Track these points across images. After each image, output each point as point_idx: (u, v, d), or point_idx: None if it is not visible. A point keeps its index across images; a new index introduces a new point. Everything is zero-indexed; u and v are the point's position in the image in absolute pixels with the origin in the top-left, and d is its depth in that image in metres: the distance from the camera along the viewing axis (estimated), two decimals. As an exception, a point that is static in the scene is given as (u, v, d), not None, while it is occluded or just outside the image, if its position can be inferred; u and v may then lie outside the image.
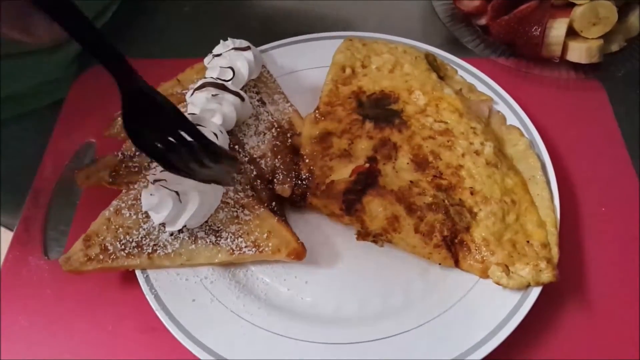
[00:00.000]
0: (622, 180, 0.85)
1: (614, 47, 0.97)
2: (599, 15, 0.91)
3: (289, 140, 0.84)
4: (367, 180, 0.76)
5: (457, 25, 1.04)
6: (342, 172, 0.78)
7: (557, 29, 0.93)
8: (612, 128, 0.91)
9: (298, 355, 0.67)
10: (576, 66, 0.96)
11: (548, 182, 0.78)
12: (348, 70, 0.91)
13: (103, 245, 0.72)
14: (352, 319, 0.71)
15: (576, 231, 0.79)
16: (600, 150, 0.88)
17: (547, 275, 0.68)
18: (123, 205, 0.75)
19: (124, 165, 0.79)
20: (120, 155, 0.80)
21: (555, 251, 0.71)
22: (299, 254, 0.72)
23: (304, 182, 0.79)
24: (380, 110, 0.85)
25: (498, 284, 0.69)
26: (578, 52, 0.94)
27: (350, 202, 0.76)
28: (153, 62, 1.02)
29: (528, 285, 0.69)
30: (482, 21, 1.03)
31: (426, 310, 0.70)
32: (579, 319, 0.72)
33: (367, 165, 0.78)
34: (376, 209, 0.75)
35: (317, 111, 0.86)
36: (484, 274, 0.71)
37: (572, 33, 0.94)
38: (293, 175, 0.80)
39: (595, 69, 0.96)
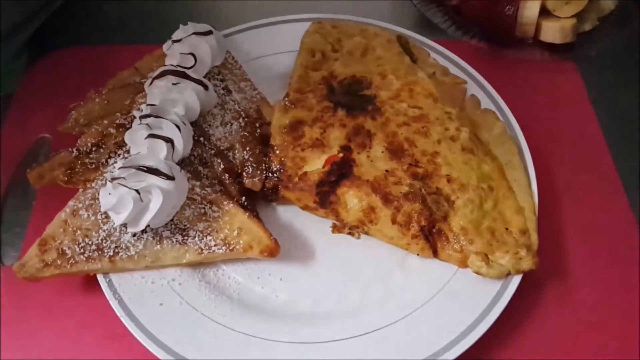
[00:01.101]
0: (598, 161, 0.85)
1: (587, 27, 0.96)
2: (572, -6, 0.90)
3: (258, 131, 0.81)
4: (341, 171, 0.74)
5: (429, 6, 1.01)
6: (315, 163, 0.75)
7: (530, 8, 0.92)
8: (586, 108, 0.90)
9: (275, 357, 0.64)
10: (550, 46, 0.95)
11: (525, 167, 0.77)
12: (318, 55, 0.88)
13: (60, 250, 0.68)
14: (330, 316, 0.69)
15: (554, 215, 0.78)
16: (576, 131, 0.88)
17: (527, 263, 0.67)
18: (80, 205, 0.71)
19: (79, 162, 0.74)
20: (75, 151, 0.75)
21: (534, 238, 0.70)
22: (272, 250, 0.69)
23: (275, 175, 0.76)
24: (353, 96, 0.82)
25: (478, 273, 0.68)
26: (551, 32, 0.93)
27: (324, 194, 0.73)
28: (109, 49, 0.98)
29: (508, 274, 0.68)
30: (454, 2, 1.01)
31: (406, 302, 0.68)
32: (559, 305, 0.71)
33: (341, 154, 0.75)
34: (351, 200, 0.73)
35: (286, 99, 0.83)
36: (463, 264, 0.70)
37: (545, 13, 0.93)
38: (263, 167, 0.76)
39: (569, 49, 0.95)
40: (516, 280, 0.68)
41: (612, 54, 0.95)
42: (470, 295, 0.68)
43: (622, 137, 0.87)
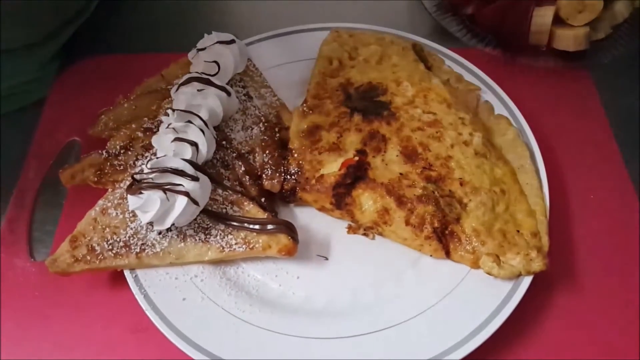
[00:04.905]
0: (610, 167, 0.85)
1: (600, 35, 0.97)
2: (585, 3, 0.91)
3: (277, 135, 0.83)
4: (356, 174, 0.76)
5: (444, 15, 1.03)
6: (332, 166, 0.78)
7: (543, 17, 0.93)
8: (599, 115, 0.91)
9: (291, 351, 0.67)
10: (563, 54, 0.96)
11: (537, 171, 0.79)
12: (335, 62, 0.91)
13: (90, 246, 0.71)
14: (344, 314, 0.71)
15: (565, 219, 0.79)
16: (588, 137, 0.89)
17: (537, 264, 0.69)
18: (109, 204, 0.74)
19: (109, 163, 0.78)
20: (105, 153, 0.79)
21: (545, 240, 0.72)
22: (289, 250, 0.72)
23: (293, 177, 0.78)
24: (369, 102, 0.84)
25: (489, 274, 0.69)
26: (565, 40, 0.94)
27: (340, 195, 0.76)
28: (136, 57, 1.01)
29: (519, 275, 0.69)
30: (469, 10, 1.02)
31: (418, 302, 0.70)
32: (570, 306, 0.72)
33: (357, 158, 0.77)
34: (366, 202, 0.75)
35: (305, 104, 0.85)
36: (475, 265, 0.71)
37: (558, 21, 0.94)
38: (282, 170, 0.79)
39: (582, 56, 0.96)
40: (527, 281, 0.69)
41: (625, 61, 0.96)
42: (481, 295, 0.69)
43: (634, 142, 0.88)
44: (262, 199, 0.78)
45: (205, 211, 0.73)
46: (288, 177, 0.78)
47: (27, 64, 0.98)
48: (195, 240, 0.72)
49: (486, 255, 0.70)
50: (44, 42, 0.98)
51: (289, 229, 0.73)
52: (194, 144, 0.74)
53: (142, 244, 0.72)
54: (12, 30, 0.89)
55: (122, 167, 0.77)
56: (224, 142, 0.80)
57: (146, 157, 0.78)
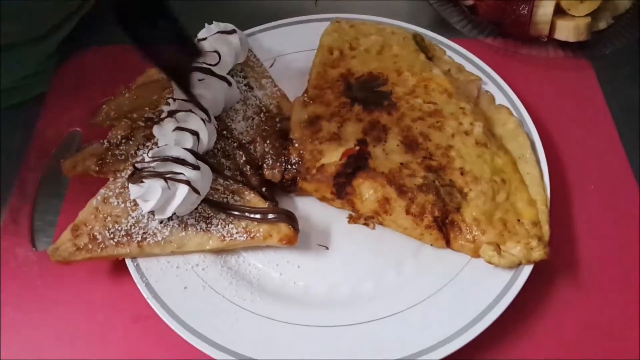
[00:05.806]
0: (611, 157, 0.85)
1: (602, 25, 0.97)
2: (586, -7, 0.91)
3: (278, 125, 0.84)
4: (357, 163, 0.76)
5: (445, 5, 1.03)
6: (332, 156, 0.78)
7: (545, 7, 0.93)
8: (600, 106, 0.91)
9: (291, 339, 0.67)
10: (564, 45, 0.96)
11: (538, 161, 0.79)
12: (336, 53, 0.91)
13: (92, 235, 0.72)
14: (345, 302, 0.71)
15: (566, 208, 0.80)
16: (589, 128, 0.89)
17: (538, 253, 0.69)
18: (111, 193, 0.74)
19: (110, 153, 0.78)
20: (106, 143, 0.79)
21: (546, 229, 0.72)
22: (290, 239, 0.72)
23: (294, 167, 0.78)
24: (369, 92, 0.84)
25: (489, 263, 0.69)
26: (566, 31, 0.94)
27: (340, 185, 0.76)
28: (137, 48, 1.01)
29: (519, 264, 0.69)
30: (470, 1, 1.02)
31: (419, 290, 0.70)
32: (570, 295, 0.72)
33: (357, 148, 0.78)
34: (367, 191, 0.75)
35: (305, 95, 0.85)
36: (475, 254, 0.71)
37: (559, 11, 0.94)
38: (283, 160, 0.79)
39: (583, 47, 0.96)
40: (527, 270, 0.69)
41: (626, 52, 0.95)
42: (482, 284, 0.69)
43: (635, 132, 0.87)
44: (263, 189, 0.78)
45: (206, 200, 0.73)
46: (289, 166, 0.79)
47: (30, 58, 0.98)
48: (197, 229, 0.73)
49: (486, 244, 0.70)
50: (47, 35, 0.98)
51: (290, 218, 0.73)
52: (195, 133, 0.74)
53: (144, 233, 0.72)
54: (16, 24, 0.89)
55: (123, 157, 0.78)
56: (224, 132, 0.80)
57: (147, 147, 0.78)
